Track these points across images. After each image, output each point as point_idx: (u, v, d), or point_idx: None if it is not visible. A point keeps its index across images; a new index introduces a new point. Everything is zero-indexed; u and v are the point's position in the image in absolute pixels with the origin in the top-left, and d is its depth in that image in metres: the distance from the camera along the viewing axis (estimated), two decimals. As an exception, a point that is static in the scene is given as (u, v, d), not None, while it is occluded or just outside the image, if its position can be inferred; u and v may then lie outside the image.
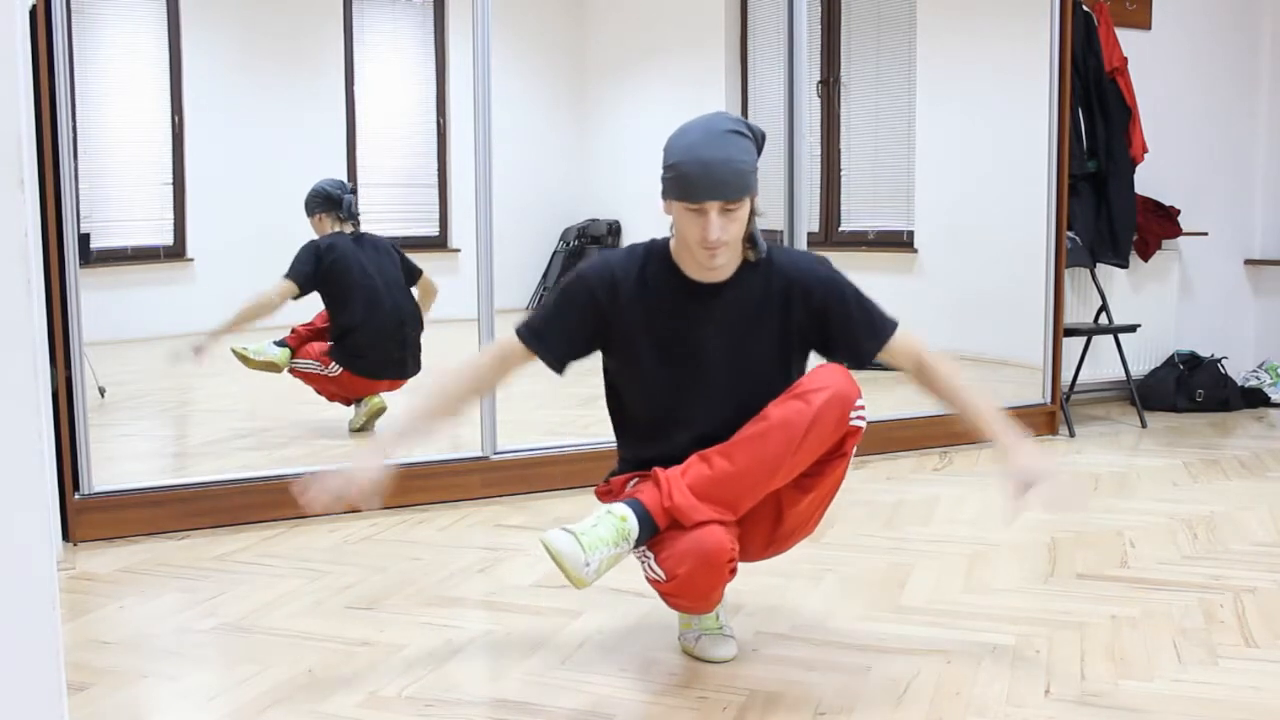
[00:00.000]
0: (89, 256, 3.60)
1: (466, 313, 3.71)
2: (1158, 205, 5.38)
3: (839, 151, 5.17)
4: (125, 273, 3.89)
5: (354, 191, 4.02)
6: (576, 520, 2.04)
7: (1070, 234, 4.90)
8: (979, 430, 2.17)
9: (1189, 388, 5.28)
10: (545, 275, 4.92)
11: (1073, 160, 4.87)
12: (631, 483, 2.19)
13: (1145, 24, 5.41)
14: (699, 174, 1.98)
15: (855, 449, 2.13)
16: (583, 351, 2.19)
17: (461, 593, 2.75)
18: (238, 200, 4.05)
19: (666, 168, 2.04)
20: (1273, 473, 4.00)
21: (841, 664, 2.27)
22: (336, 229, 3.97)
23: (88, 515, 3.21)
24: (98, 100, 3.80)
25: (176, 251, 4.00)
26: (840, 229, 5.18)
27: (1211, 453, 4.36)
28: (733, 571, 2.07)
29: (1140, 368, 5.38)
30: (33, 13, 3.04)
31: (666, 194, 2.06)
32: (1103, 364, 5.22)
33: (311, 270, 3.92)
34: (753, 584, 2.75)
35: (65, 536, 3.20)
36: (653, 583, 2.07)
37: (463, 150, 3.89)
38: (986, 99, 4.91)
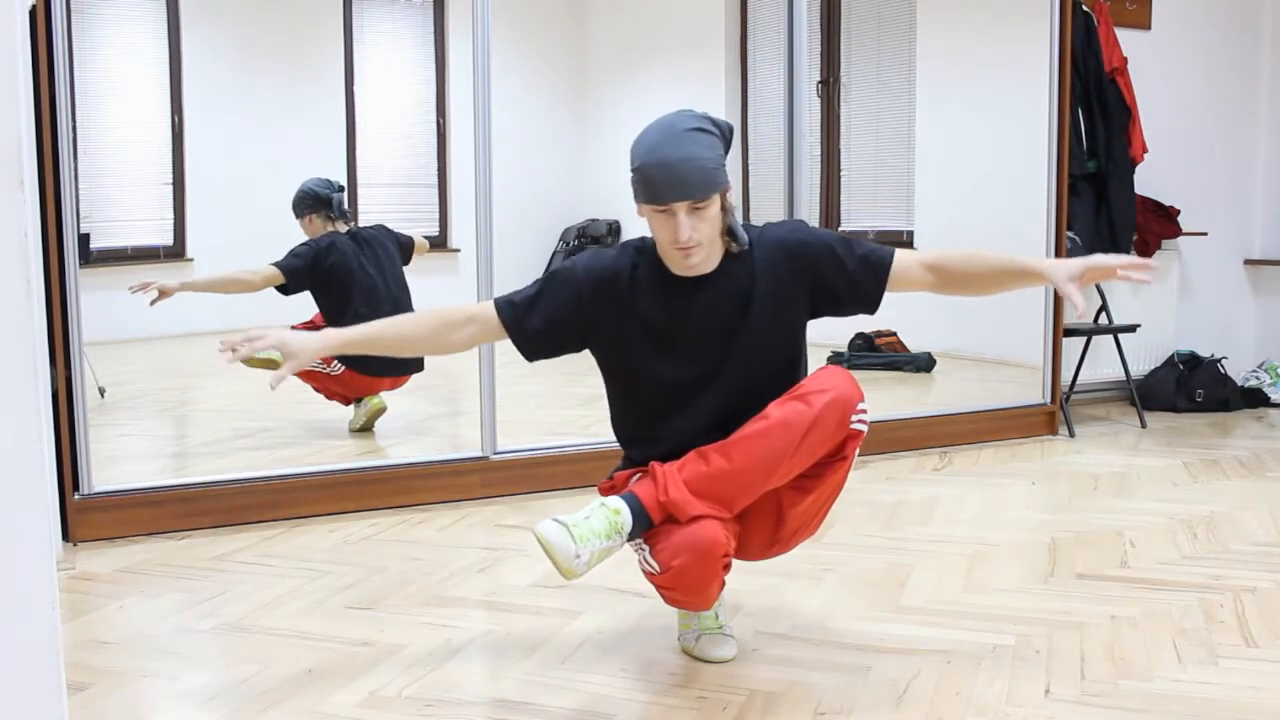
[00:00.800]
0: (89, 256, 3.60)
1: (466, 313, 3.70)
2: (1158, 205, 5.38)
3: (839, 151, 5.17)
4: (125, 273, 3.89)
5: (343, 189, 3.99)
6: (575, 518, 2.04)
7: (1070, 234, 4.90)
8: (1015, 278, 2.13)
9: (1189, 388, 5.28)
10: (545, 275, 4.91)
11: (1073, 160, 4.87)
12: (634, 478, 2.19)
13: (1145, 24, 5.41)
14: (662, 175, 1.97)
15: (856, 452, 2.13)
16: (559, 346, 2.18)
17: (461, 593, 2.75)
18: (238, 200, 4.05)
19: (632, 171, 2.03)
20: (1273, 473, 4.00)
21: (841, 664, 2.27)
22: (329, 229, 3.96)
23: (88, 515, 3.21)
24: (98, 100, 3.80)
25: (176, 251, 4.00)
26: (840, 229, 5.18)
27: (1211, 453, 4.36)
28: (727, 567, 2.07)
29: (1140, 368, 5.38)
30: (33, 13, 3.04)
31: (636, 197, 2.06)
32: (1103, 364, 5.22)
33: (307, 268, 3.89)
34: (753, 584, 2.75)
35: (65, 536, 3.20)
36: (648, 575, 2.07)
37: (463, 150, 3.89)
38: (986, 99, 4.91)
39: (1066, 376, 4.95)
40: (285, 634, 2.46)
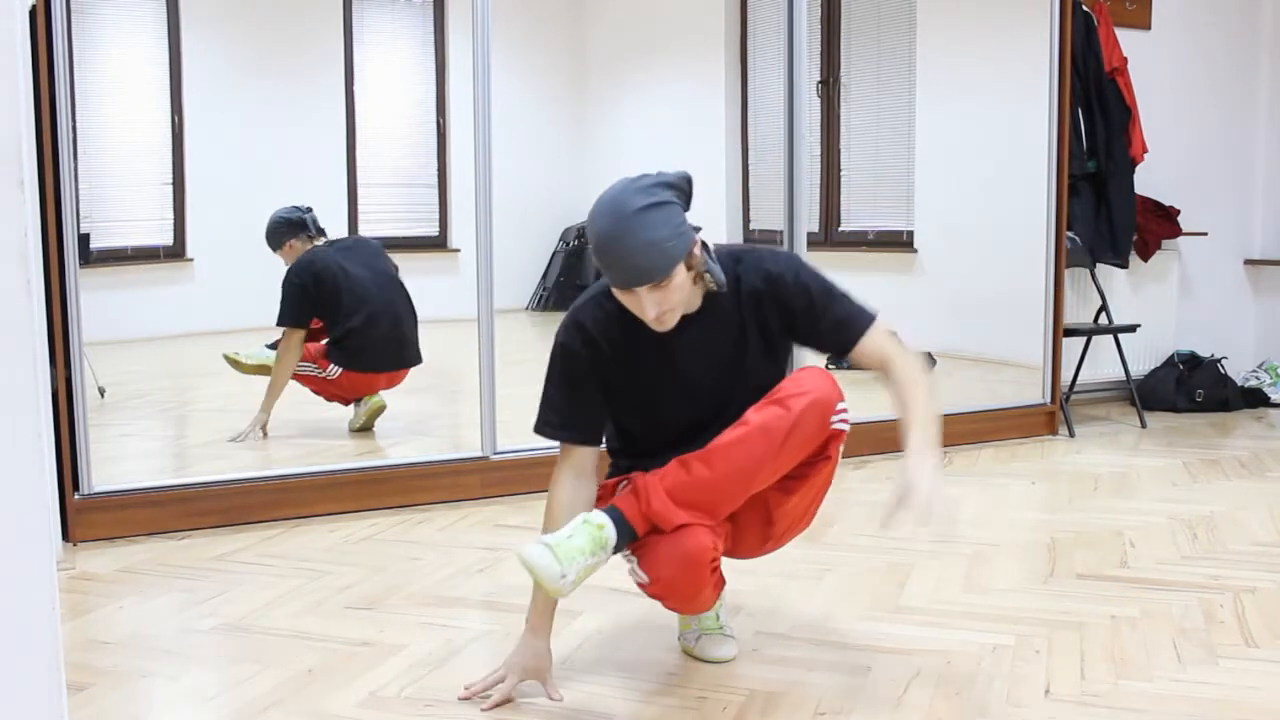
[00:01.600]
0: (89, 256, 3.60)
1: (467, 313, 3.71)
2: (1158, 205, 5.38)
3: (839, 152, 5.17)
4: (125, 273, 3.89)
5: (310, 210, 4.01)
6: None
7: (1070, 234, 4.90)
8: (903, 423, 2.07)
9: (1189, 388, 5.28)
10: (545, 275, 4.91)
11: (1073, 160, 4.87)
12: (621, 485, 2.19)
13: (1145, 24, 5.41)
14: (618, 264, 1.92)
15: (841, 450, 2.12)
16: (604, 407, 2.17)
17: (461, 593, 2.75)
18: (238, 200, 4.05)
19: (590, 251, 1.99)
20: (1273, 473, 4.00)
21: (841, 664, 2.27)
22: (308, 248, 3.97)
23: (88, 515, 3.21)
24: (98, 100, 3.80)
25: (176, 251, 4.00)
26: (840, 229, 5.17)
27: (1211, 453, 4.36)
28: (715, 571, 2.05)
29: (1140, 368, 5.38)
30: (33, 13, 3.05)
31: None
32: (1102, 364, 5.22)
33: (310, 297, 3.93)
34: (753, 584, 2.75)
35: (65, 536, 3.20)
36: (639, 586, 2.07)
37: (463, 150, 3.89)
38: (986, 99, 4.91)
39: (1066, 376, 4.95)
40: (285, 634, 2.46)
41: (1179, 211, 5.44)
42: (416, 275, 4.19)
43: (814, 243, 4.45)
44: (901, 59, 5.08)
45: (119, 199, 3.89)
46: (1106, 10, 5.10)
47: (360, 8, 4.31)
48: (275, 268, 3.92)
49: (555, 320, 5.04)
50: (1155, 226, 5.34)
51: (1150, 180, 5.37)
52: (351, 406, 4.11)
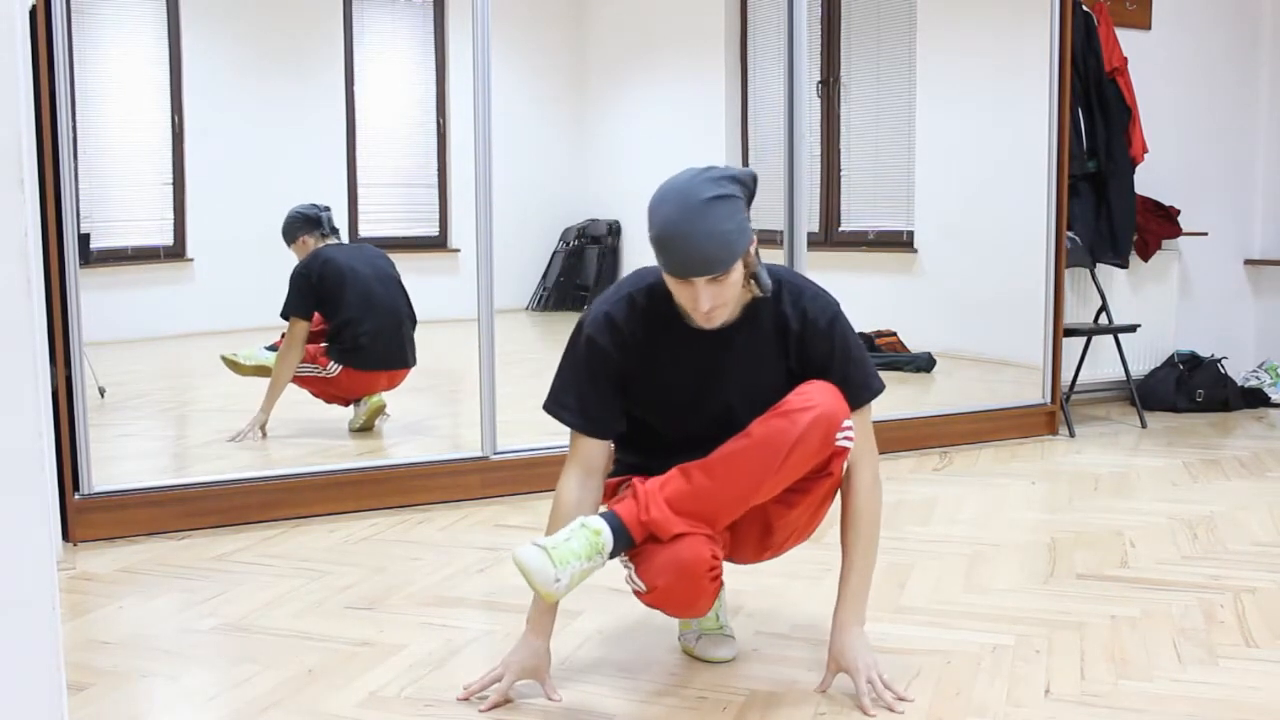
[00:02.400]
0: (89, 256, 3.60)
1: (466, 313, 3.71)
2: (1158, 205, 5.38)
3: (839, 151, 5.17)
4: (125, 273, 3.89)
5: (329, 209, 4.03)
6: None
7: (1070, 234, 4.90)
8: (839, 586, 2.15)
9: (1189, 388, 5.28)
10: (545, 275, 4.92)
11: (1073, 160, 4.87)
12: (623, 485, 2.18)
13: (1145, 24, 5.41)
14: (681, 252, 1.89)
15: (845, 466, 2.09)
16: (622, 407, 2.16)
17: (461, 593, 2.75)
18: (238, 200, 4.05)
19: (650, 238, 1.95)
20: (1273, 473, 4.00)
21: (841, 664, 2.27)
22: (320, 245, 3.98)
23: (88, 515, 3.21)
24: (98, 100, 3.80)
25: (176, 251, 4.00)
26: (840, 229, 5.17)
27: (1211, 453, 4.36)
28: (715, 579, 2.02)
29: (1140, 368, 5.38)
30: (33, 13, 3.05)
31: (656, 258, 1.98)
32: (1102, 364, 5.22)
33: (313, 290, 3.94)
34: (753, 584, 2.75)
35: (65, 536, 3.20)
36: (636, 593, 2.05)
37: (463, 150, 3.89)
38: (986, 99, 4.91)
39: (1066, 376, 4.95)
40: (285, 634, 2.46)
41: (1179, 211, 5.45)
42: (416, 275, 4.20)
43: (814, 243, 4.45)
44: (901, 59, 5.08)
45: (119, 199, 3.89)
46: (1106, 10, 5.10)
47: (360, 8, 4.31)
48: (275, 268, 3.93)
49: (555, 320, 5.04)
50: (1155, 226, 5.34)
51: (1150, 180, 5.37)
52: (351, 407, 4.12)
